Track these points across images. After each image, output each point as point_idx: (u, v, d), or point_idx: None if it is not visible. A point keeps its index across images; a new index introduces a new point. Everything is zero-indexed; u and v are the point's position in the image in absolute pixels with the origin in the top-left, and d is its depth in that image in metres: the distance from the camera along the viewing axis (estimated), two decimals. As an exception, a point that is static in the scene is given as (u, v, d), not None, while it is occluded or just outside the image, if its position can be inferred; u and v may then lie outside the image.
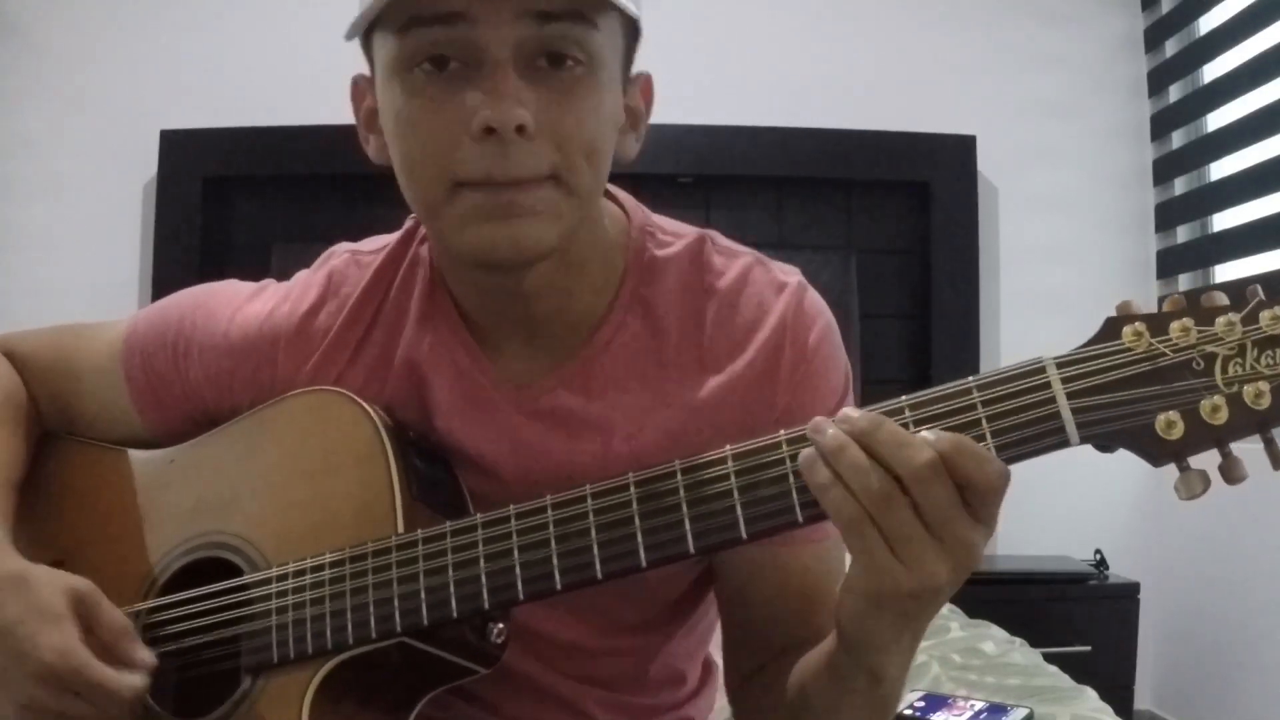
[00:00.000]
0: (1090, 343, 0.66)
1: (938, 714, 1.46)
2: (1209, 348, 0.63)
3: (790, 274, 0.91)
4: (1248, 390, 0.62)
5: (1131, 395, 0.64)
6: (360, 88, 0.88)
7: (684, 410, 0.87)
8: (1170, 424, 0.63)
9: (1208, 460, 0.64)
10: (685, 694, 1.03)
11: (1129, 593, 2.60)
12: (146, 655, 0.81)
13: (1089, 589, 2.58)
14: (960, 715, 1.46)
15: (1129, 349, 0.64)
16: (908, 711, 1.42)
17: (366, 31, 0.81)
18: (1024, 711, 1.48)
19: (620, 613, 0.93)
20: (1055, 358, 0.66)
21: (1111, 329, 0.66)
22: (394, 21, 0.77)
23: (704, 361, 0.88)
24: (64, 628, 0.79)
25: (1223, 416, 0.62)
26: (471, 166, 0.76)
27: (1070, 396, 0.65)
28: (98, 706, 0.78)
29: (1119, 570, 2.67)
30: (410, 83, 0.78)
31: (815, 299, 0.91)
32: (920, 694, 1.50)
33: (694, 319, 0.89)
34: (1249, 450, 0.63)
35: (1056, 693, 1.65)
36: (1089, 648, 2.46)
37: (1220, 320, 0.63)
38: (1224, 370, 0.62)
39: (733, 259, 0.91)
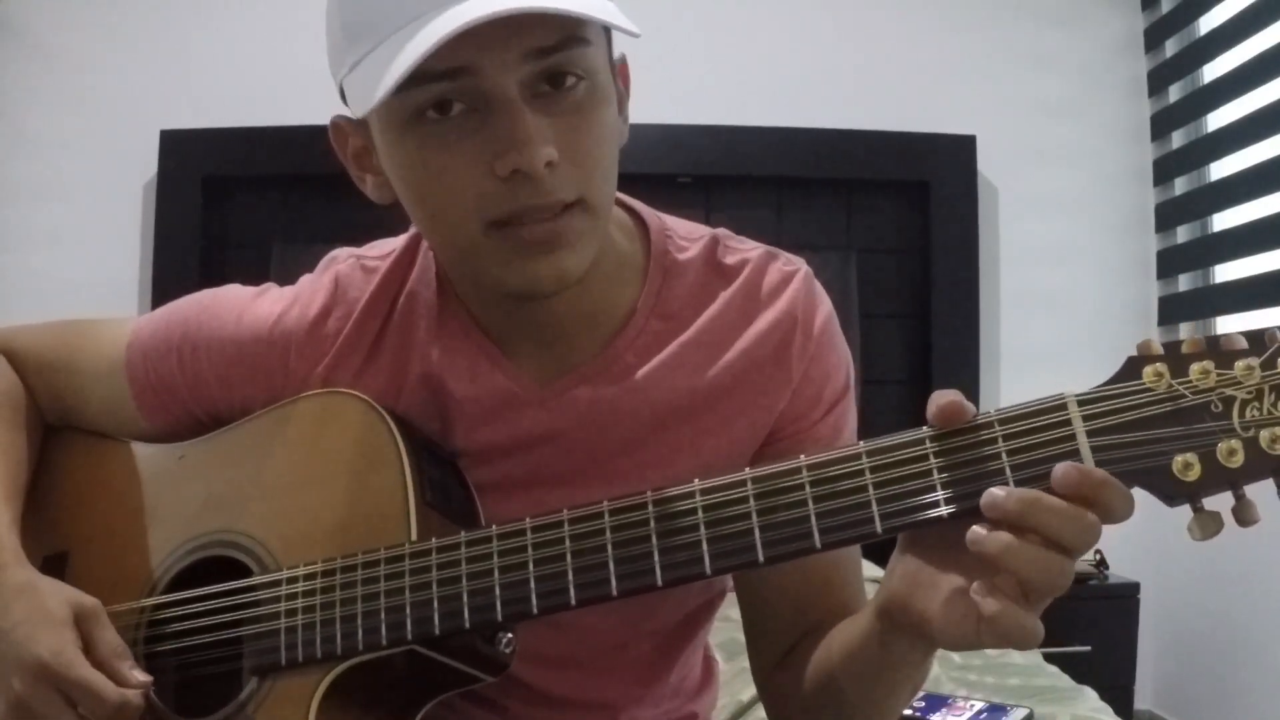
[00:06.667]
0: (1111, 381, 0.66)
1: (937, 714, 1.48)
2: (1228, 391, 0.63)
3: (797, 263, 0.95)
4: (1264, 435, 0.61)
5: (1151, 435, 0.64)
6: (343, 129, 0.86)
7: (702, 391, 0.89)
8: (1187, 465, 0.63)
9: (1220, 501, 0.64)
10: (691, 688, 1.04)
11: (1129, 593, 2.61)
12: (140, 677, 0.81)
13: (1089, 589, 2.59)
14: (960, 715, 1.48)
15: (1150, 389, 0.64)
16: (907, 711, 1.42)
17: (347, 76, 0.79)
18: (1024, 711, 1.49)
19: (655, 604, 0.93)
20: (1077, 395, 0.66)
21: (1132, 368, 0.65)
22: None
23: (719, 344, 0.90)
24: (62, 633, 0.80)
25: (1239, 460, 0.62)
26: (503, 205, 0.77)
27: (1090, 434, 0.65)
28: (86, 711, 0.78)
29: (1119, 570, 2.68)
30: (419, 132, 0.77)
31: (820, 288, 0.95)
32: (920, 694, 1.50)
33: (708, 310, 0.91)
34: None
35: (1056, 693, 1.66)
36: (1089, 648, 2.46)
37: (1240, 364, 0.63)
38: (1241, 414, 0.62)
39: (743, 254, 0.94)
